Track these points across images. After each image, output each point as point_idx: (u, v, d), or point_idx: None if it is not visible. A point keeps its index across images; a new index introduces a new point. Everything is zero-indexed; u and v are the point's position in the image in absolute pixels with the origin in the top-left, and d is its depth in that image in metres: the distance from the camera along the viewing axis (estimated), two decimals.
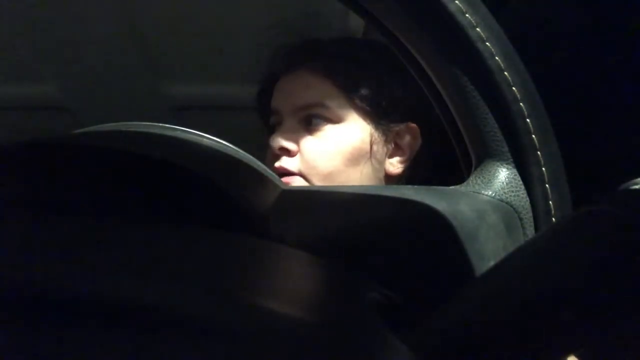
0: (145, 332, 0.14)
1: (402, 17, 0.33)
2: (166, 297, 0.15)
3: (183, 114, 0.98)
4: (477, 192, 0.31)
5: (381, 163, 0.75)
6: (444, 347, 0.19)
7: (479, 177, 0.32)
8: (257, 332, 0.15)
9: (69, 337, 0.14)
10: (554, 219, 0.31)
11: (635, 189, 0.21)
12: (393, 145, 0.75)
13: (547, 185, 0.31)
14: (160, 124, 0.30)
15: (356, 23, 0.85)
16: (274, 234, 0.26)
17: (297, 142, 0.74)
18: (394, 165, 0.75)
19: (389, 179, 0.75)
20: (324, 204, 0.30)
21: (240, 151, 0.30)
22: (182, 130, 0.30)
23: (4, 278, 0.15)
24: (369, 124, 0.74)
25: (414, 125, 0.75)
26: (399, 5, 0.32)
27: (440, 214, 0.28)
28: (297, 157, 0.73)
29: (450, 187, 0.33)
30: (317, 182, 0.71)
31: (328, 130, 0.73)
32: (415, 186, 0.31)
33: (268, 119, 0.83)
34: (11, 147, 0.23)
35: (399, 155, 0.76)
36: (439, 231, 0.29)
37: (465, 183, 0.33)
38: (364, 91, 0.74)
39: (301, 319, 0.16)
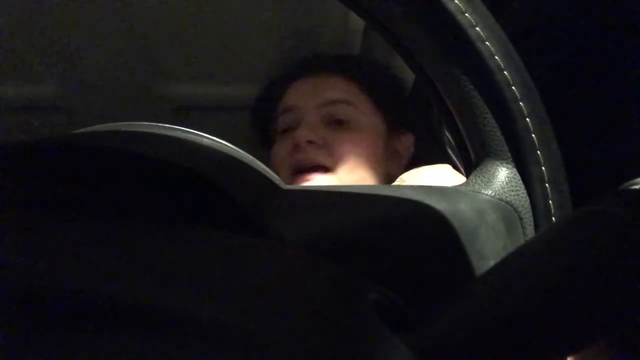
0: (145, 333, 0.14)
1: (401, 17, 0.33)
2: (165, 298, 0.15)
3: (183, 114, 0.97)
4: (477, 192, 0.31)
5: (386, 167, 0.78)
6: (443, 347, 0.19)
7: (479, 177, 0.32)
8: (256, 333, 0.15)
9: (68, 338, 0.14)
10: (554, 219, 0.31)
11: (635, 189, 0.21)
12: (394, 151, 0.80)
13: (547, 185, 0.31)
14: (160, 124, 0.30)
15: (356, 23, 0.85)
16: (274, 234, 0.26)
17: (322, 136, 0.74)
18: (395, 170, 0.78)
19: (389, 182, 0.78)
20: (324, 203, 0.30)
21: (240, 151, 0.30)
22: (182, 130, 0.30)
23: (3, 278, 0.15)
24: (383, 127, 0.79)
25: (411, 133, 0.82)
26: (398, 4, 0.32)
27: (440, 214, 0.28)
28: (325, 151, 0.73)
29: (450, 187, 0.33)
30: (344, 176, 0.72)
31: (353, 127, 0.76)
32: (415, 186, 0.31)
33: (269, 123, 0.84)
34: (11, 147, 0.23)
35: (398, 160, 0.81)
36: (439, 231, 0.29)
37: (465, 182, 0.33)
38: (384, 97, 0.79)
39: (301, 319, 0.16)
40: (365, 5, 0.34)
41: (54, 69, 0.90)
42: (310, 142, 0.73)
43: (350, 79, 0.78)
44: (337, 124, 0.75)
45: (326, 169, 0.73)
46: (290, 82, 0.82)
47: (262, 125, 0.88)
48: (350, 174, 0.73)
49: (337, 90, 0.77)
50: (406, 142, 0.82)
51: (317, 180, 0.72)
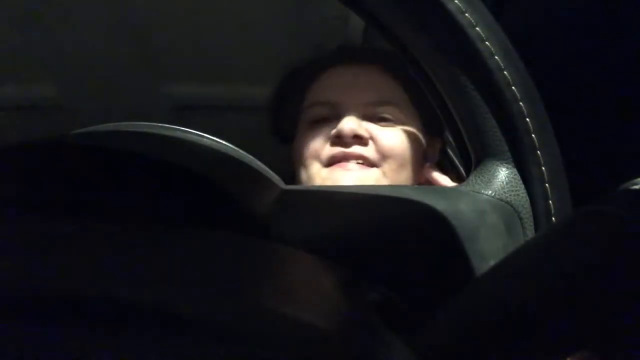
0: (147, 333, 0.14)
1: (401, 17, 0.33)
2: (166, 298, 0.15)
3: (183, 114, 0.97)
4: (477, 192, 0.31)
5: (419, 169, 0.75)
6: (443, 347, 0.19)
7: (479, 177, 0.32)
8: (257, 332, 0.15)
9: (69, 337, 0.14)
10: (553, 219, 0.31)
11: (635, 189, 0.21)
12: (425, 155, 0.77)
13: (547, 185, 0.31)
14: (160, 124, 0.30)
15: (356, 23, 0.85)
16: (274, 234, 0.26)
17: (368, 131, 0.70)
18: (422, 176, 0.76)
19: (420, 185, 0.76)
20: (324, 203, 0.30)
21: (240, 151, 0.30)
22: (182, 130, 0.30)
23: (2, 278, 0.15)
24: (421, 129, 0.75)
25: (440, 138, 0.78)
26: (398, 4, 0.32)
27: (440, 214, 0.28)
28: (371, 145, 0.69)
29: (450, 187, 0.33)
30: (390, 174, 0.69)
31: (398, 127, 0.72)
32: (416, 186, 0.31)
33: (291, 114, 0.79)
34: (10, 147, 0.23)
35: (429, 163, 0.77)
36: (439, 231, 0.29)
37: (465, 182, 0.33)
38: (421, 98, 0.72)
39: (301, 318, 0.16)
40: (365, 6, 0.34)
41: (54, 69, 0.90)
42: (357, 136, 0.68)
43: (392, 75, 0.73)
44: (380, 120, 0.71)
45: (371, 164, 0.69)
46: (320, 72, 0.76)
47: (282, 116, 0.81)
48: (397, 173, 0.69)
49: (381, 89, 0.73)
50: (436, 147, 0.78)
51: (356, 170, 0.67)
